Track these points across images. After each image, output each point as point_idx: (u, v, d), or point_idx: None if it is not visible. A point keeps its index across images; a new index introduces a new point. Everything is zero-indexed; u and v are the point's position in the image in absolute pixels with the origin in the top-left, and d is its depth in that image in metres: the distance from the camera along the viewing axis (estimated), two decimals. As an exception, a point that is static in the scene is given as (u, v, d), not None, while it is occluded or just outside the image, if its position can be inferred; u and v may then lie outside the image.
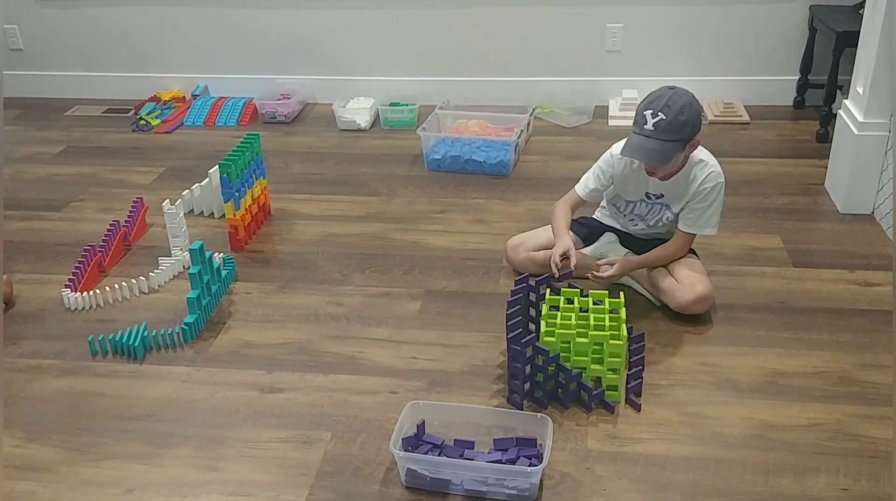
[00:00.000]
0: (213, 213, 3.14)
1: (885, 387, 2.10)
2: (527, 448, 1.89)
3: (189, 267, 2.56)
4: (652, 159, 2.23)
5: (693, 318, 2.38)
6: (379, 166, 3.52)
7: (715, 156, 2.37)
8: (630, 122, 3.77)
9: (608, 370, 2.08)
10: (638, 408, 2.06)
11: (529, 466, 1.81)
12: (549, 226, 2.56)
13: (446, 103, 3.85)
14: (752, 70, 3.93)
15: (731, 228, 2.83)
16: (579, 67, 4.02)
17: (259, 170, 2.99)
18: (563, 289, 2.25)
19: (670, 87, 2.21)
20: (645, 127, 2.19)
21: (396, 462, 1.85)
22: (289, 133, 3.93)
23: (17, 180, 3.51)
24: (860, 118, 2.85)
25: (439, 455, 1.89)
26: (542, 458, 1.77)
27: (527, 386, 2.07)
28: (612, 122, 3.85)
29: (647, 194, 2.42)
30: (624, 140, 2.30)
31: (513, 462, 1.85)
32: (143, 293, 2.66)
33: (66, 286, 2.62)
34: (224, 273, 2.62)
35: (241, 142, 2.91)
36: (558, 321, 2.12)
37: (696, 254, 2.50)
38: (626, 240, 2.57)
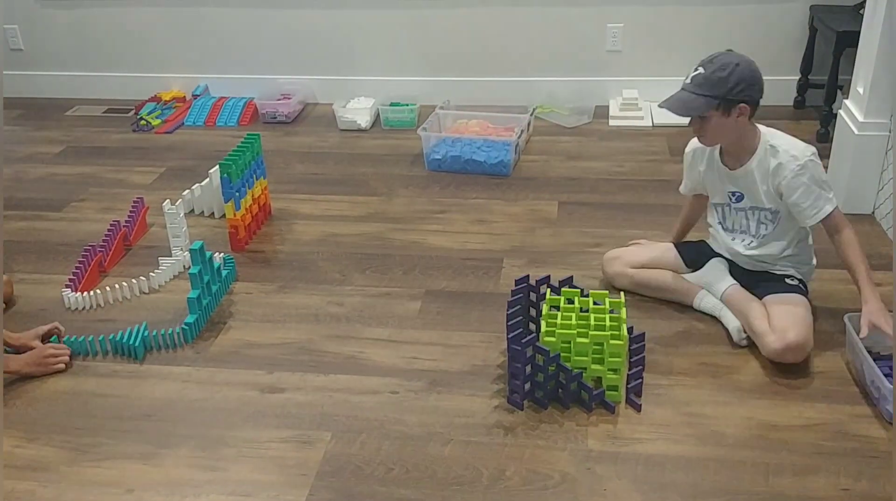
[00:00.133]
0: (213, 213, 3.14)
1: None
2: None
3: (189, 267, 2.57)
4: (676, 108, 2.16)
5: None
6: (379, 166, 3.52)
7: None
8: (630, 122, 3.84)
9: (608, 370, 2.08)
10: (638, 408, 2.06)
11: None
12: (648, 246, 2.58)
13: (447, 103, 3.85)
14: (753, 70, 3.92)
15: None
16: (579, 67, 4.02)
17: (259, 170, 2.99)
18: (563, 289, 2.25)
19: (728, 50, 2.17)
20: (685, 81, 2.17)
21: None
22: (289, 133, 3.93)
23: (17, 180, 3.51)
24: (860, 118, 2.85)
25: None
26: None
27: (527, 385, 2.07)
28: (612, 122, 3.85)
29: (729, 195, 2.32)
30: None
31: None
32: (144, 293, 2.66)
33: (67, 286, 2.62)
34: (224, 273, 2.62)
35: (242, 142, 2.91)
36: (559, 321, 2.12)
37: (806, 292, 2.31)
38: (734, 270, 2.39)
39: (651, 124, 3.81)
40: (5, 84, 4.41)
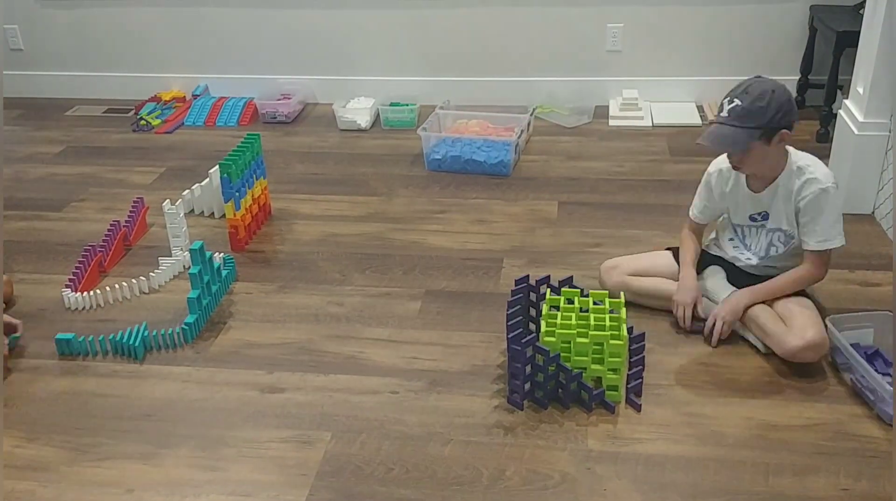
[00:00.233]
0: (213, 213, 3.14)
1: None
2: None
3: (189, 267, 2.57)
4: (719, 144, 2.13)
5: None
6: (379, 166, 3.52)
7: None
8: (630, 122, 3.84)
9: (608, 370, 2.08)
10: (638, 408, 2.06)
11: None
12: (648, 253, 2.52)
13: (447, 103, 3.85)
14: (752, 70, 3.86)
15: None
16: (579, 67, 4.02)
17: (259, 170, 2.99)
18: (563, 289, 2.25)
19: (757, 76, 2.12)
20: (721, 114, 2.12)
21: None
22: (289, 133, 3.93)
23: (17, 180, 3.51)
24: (860, 118, 2.85)
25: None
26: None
27: (527, 385, 2.07)
28: (612, 122, 3.86)
29: (751, 217, 2.29)
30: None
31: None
32: (144, 293, 2.66)
33: (67, 286, 2.62)
34: (224, 273, 2.62)
35: (242, 142, 2.91)
36: (558, 321, 2.12)
37: (812, 299, 2.30)
38: (733, 274, 2.37)
39: (651, 124, 3.81)
40: (5, 84, 4.41)
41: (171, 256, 2.79)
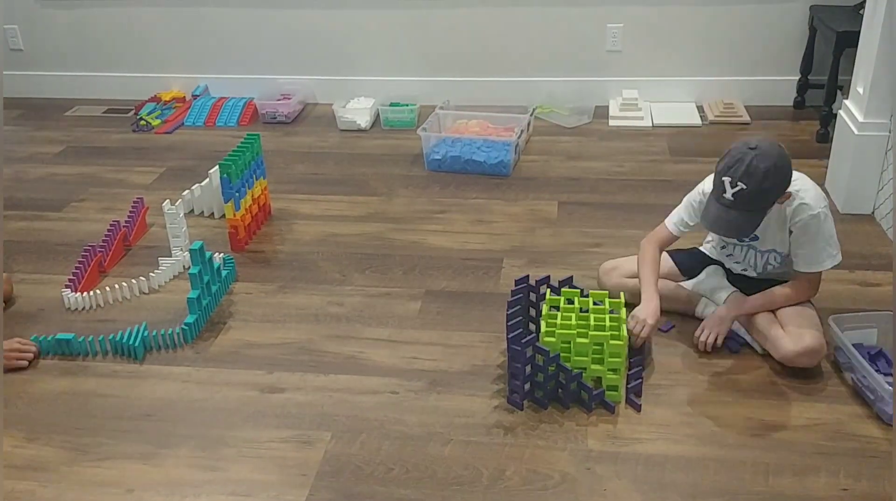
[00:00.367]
0: (213, 213, 3.14)
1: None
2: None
3: (189, 268, 2.57)
4: (732, 233, 2.08)
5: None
6: (379, 166, 3.52)
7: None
8: (630, 122, 3.84)
9: (608, 370, 2.08)
10: (638, 408, 2.06)
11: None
12: None
13: (446, 103, 3.85)
14: (752, 70, 3.93)
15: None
16: (579, 67, 4.02)
17: (259, 171, 2.99)
18: (563, 290, 2.25)
19: (752, 147, 1.97)
20: (724, 196, 2.00)
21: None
22: (289, 133, 3.93)
23: (17, 180, 3.51)
24: (860, 118, 2.85)
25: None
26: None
27: (527, 385, 2.07)
28: (612, 122, 3.85)
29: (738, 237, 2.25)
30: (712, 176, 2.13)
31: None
32: (144, 293, 2.66)
33: (67, 286, 2.62)
34: (224, 273, 2.62)
35: (242, 143, 2.91)
36: (558, 321, 2.12)
37: (812, 303, 2.27)
38: (733, 274, 2.36)
39: (651, 124, 3.81)
40: (5, 84, 4.41)
41: (171, 256, 2.79)
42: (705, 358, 2.24)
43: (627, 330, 2.13)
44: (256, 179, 2.97)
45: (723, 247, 2.38)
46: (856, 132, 2.86)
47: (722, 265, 2.39)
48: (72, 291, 2.60)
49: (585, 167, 3.44)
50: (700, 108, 3.93)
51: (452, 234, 2.94)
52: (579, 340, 2.07)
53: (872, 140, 2.84)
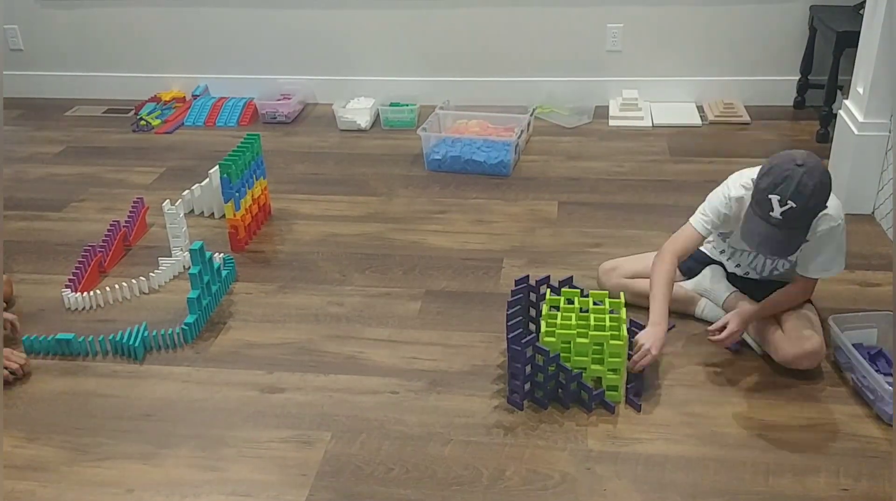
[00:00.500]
0: (213, 213, 3.14)
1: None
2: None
3: (189, 268, 2.57)
4: (780, 253, 2.02)
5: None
6: (379, 166, 3.52)
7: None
8: (630, 122, 3.83)
9: (608, 370, 2.08)
10: (638, 408, 2.06)
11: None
12: (647, 254, 2.36)
13: (446, 103, 3.85)
14: (752, 70, 3.93)
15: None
16: (579, 67, 4.01)
17: (259, 171, 2.99)
18: (563, 290, 2.25)
19: (799, 164, 1.89)
20: (771, 214, 1.92)
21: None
22: (289, 133, 3.93)
23: (17, 180, 3.51)
24: (860, 118, 2.85)
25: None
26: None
27: (527, 386, 2.07)
28: (612, 122, 3.85)
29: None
30: (739, 175, 2.09)
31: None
32: (144, 293, 2.66)
33: (67, 286, 2.62)
34: (224, 273, 2.62)
35: (242, 143, 2.91)
36: (558, 321, 2.12)
37: (813, 305, 2.26)
38: (733, 276, 2.34)
39: (651, 124, 3.80)
40: (5, 84, 4.41)
41: (171, 256, 2.79)
42: (705, 358, 2.24)
43: (628, 354, 2.08)
44: (256, 179, 2.97)
45: (721, 252, 2.37)
46: (856, 132, 2.86)
47: (722, 265, 2.40)
48: (72, 291, 2.60)
49: (585, 167, 3.44)
50: (700, 108, 3.93)
51: (452, 234, 2.94)
52: (579, 340, 2.07)
53: (872, 140, 2.84)
